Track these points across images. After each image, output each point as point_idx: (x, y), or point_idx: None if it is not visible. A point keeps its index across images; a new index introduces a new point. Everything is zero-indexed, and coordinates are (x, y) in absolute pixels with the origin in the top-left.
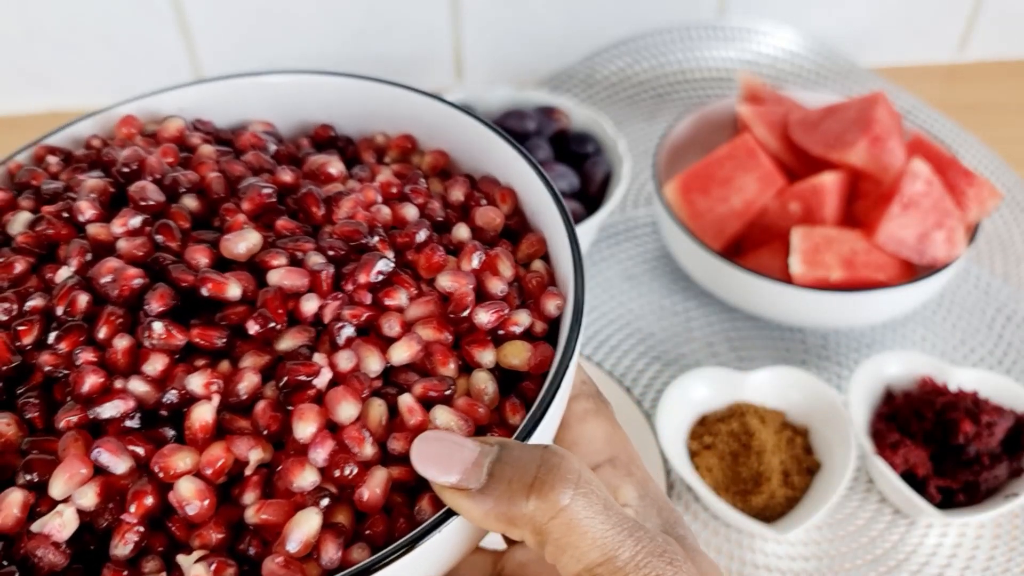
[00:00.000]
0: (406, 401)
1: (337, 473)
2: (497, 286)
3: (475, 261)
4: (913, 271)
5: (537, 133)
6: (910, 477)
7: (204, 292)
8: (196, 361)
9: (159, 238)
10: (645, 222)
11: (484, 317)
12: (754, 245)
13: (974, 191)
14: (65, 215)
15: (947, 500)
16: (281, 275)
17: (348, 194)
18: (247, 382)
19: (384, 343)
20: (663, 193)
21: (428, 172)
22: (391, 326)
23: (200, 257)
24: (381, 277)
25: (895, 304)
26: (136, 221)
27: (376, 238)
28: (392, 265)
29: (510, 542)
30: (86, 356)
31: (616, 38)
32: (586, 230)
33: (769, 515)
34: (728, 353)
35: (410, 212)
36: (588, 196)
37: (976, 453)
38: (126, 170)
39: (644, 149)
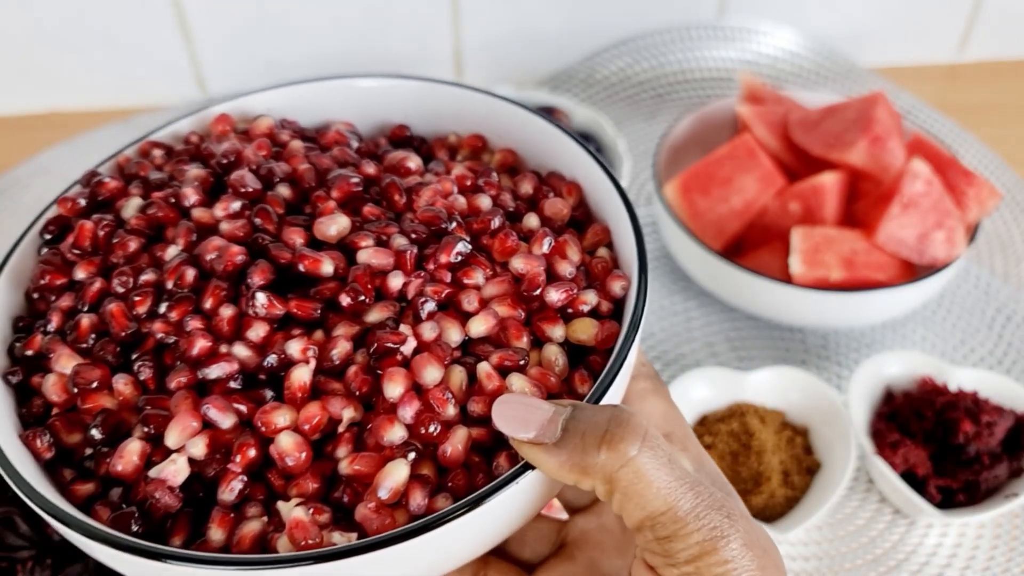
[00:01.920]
0: (484, 368)
1: (423, 430)
2: (566, 269)
3: (545, 246)
4: (913, 271)
5: None
6: (910, 477)
7: (301, 268)
8: (293, 330)
9: (257, 221)
10: (645, 222)
11: (554, 296)
12: (754, 245)
13: (974, 191)
14: (172, 200)
15: (947, 500)
16: (369, 254)
17: (427, 184)
18: (340, 348)
19: (463, 318)
20: (663, 193)
21: (498, 168)
22: (470, 302)
23: (296, 237)
24: (460, 258)
25: (895, 304)
26: (236, 205)
27: (454, 224)
28: (470, 247)
29: (572, 512)
30: (194, 324)
31: (616, 38)
32: None
33: (769, 515)
34: (728, 353)
35: (484, 202)
36: None
37: (976, 453)
38: (224, 161)
39: (644, 149)
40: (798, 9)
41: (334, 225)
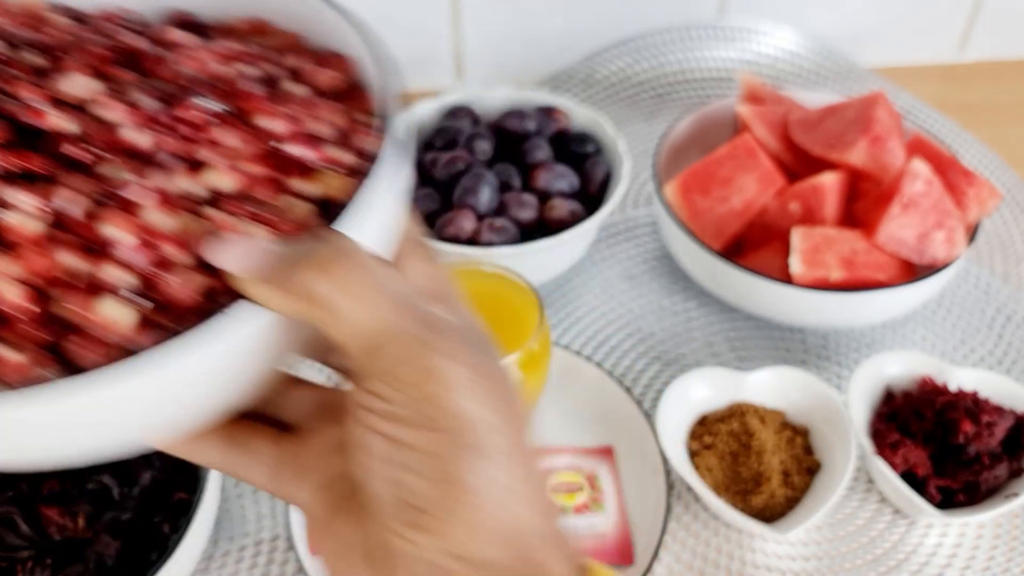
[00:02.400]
0: (224, 219)
1: (153, 275)
2: (321, 129)
3: (301, 108)
4: (913, 271)
5: (537, 133)
6: (910, 477)
7: (37, 124)
8: (26, 184)
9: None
10: (645, 222)
11: (306, 153)
12: (754, 245)
13: (974, 191)
14: None
15: (947, 500)
16: (112, 112)
17: (187, 51)
18: (72, 202)
19: (206, 173)
20: (663, 193)
21: (275, 50)
22: (216, 158)
23: (35, 96)
24: (209, 116)
25: (895, 304)
26: None
27: (208, 86)
28: (221, 107)
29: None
30: None
31: (616, 38)
32: (586, 230)
33: (769, 515)
34: (728, 353)
35: (244, 69)
36: (588, 196)
37: (976, 453)
38: None
39: (644, 149)
40: (798, 9)
41: (74, 84)
